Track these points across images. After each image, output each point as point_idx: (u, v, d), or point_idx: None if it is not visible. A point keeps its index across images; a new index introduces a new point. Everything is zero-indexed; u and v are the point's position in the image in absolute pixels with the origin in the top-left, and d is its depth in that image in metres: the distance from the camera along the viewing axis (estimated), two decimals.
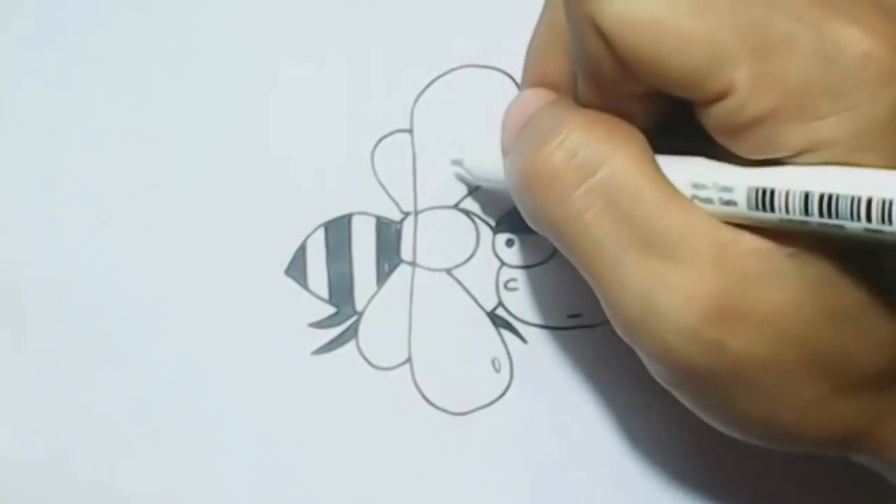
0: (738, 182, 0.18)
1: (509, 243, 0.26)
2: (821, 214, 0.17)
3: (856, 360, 0.19)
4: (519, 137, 0.21)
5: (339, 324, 0.26)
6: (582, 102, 0.20)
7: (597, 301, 0.26)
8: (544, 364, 0.26)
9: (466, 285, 0.26)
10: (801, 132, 0.17)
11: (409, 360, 0.26)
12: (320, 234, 0.26)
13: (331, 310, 0.26)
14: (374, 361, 0.26)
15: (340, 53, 0.26)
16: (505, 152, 0.22)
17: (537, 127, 0.20)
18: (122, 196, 0.26)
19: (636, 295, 0.19)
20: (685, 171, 0.19)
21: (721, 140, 0.18)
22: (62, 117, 0.26)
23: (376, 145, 0.26)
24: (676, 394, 0.20)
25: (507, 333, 0.26)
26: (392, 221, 0.26)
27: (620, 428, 0.26)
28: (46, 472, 0.25)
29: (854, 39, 0.17)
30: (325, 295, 0.26)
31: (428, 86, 0.26)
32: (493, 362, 0.26)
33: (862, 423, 0.19)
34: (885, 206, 0.16)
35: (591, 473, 0.26)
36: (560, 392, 0.26)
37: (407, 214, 0.26)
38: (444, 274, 0.26)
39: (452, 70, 0.26)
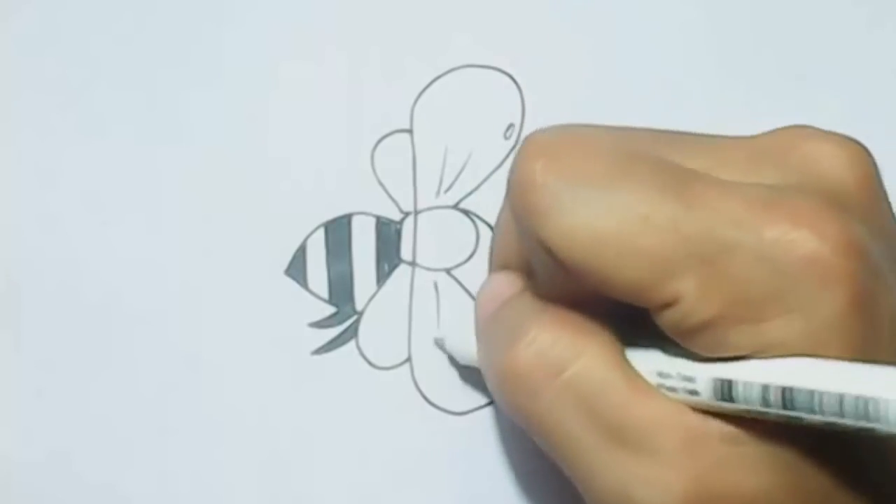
0: (699, 374, 0.19)
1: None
2: (780, 407, 0.18)
3: None
4: (488, 331, 0.22)
5: (339, 324, 0.26)
6: (544, 295, 0.21)
7: None
8: None
9: (466, 285, 0.26)
10: (750, 335, 0.18)
11: (408, 360, 0.26)
12: (320, 234, 0.26)
13: (331, 310, 0.26)
14: (374, 361, 0.26)
15: (340, 53, 0.26)
16: (477, 338, 0.23)
17: (506, 324, 0.21)
18: (122, 196, 0.26)
19: (612, 489, 0.19)
20: (650, 362, 0.20)
21: (676, 339, 0.19)
22: (62, 117, 0.26)
23: (376, 145, 0.26)
24: None
25: None
26: (392, 221, 0.26)
27: None
28: (46, 472, 0.25)
29: (797, 242, 0.17)
30: (325, 295, 0.26)
31: (428, 86, 0.26)
32: None
33: None
34: (841, 401, 0.17)
35: None
36: None
37: (407, 214, 0.26)
38: (443, 274, 0.26)
39: (452, 70, 0.26)
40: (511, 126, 0.26)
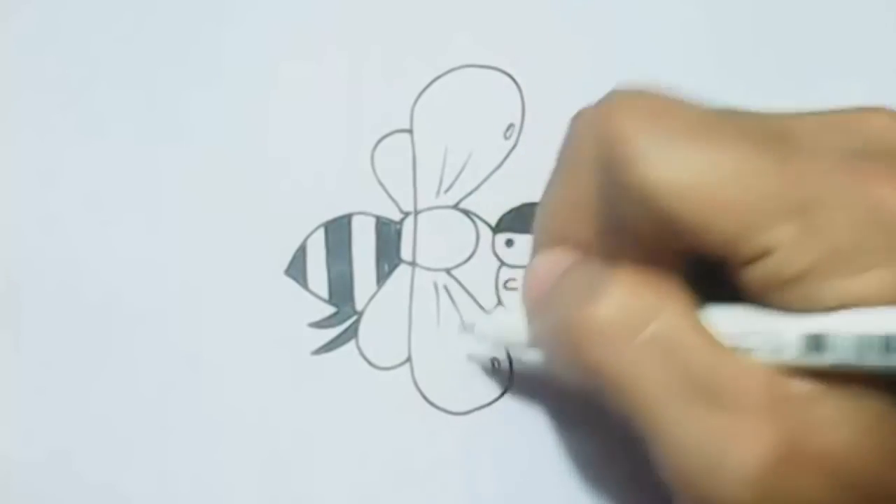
0: (786, 328, 0.19)
1: (509, 243, 0.26)
2: (874, 355, 0.18)
3: None
4: (553, 297, 0.22)
5: (339, 324, 0.26)
6: (614, 260, 0.21)
7: None
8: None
9: (466, 285, 0.26)
10: (841, 287, 0.18)
11: (408, 359, 0.26)
12: (320, 234, 0.26)
13: (331, 310, 0.26)
14: (374, 361, 0.26)
15: (340, 53, 0.26)
16: (533, 313, 0.23)
17: (576, 285, 0.21)
18: (122, 196, 0.26)
19: (695, 447, 0.19)
20: (731, 320, 0.20)
21: (758, 296, 0.19)
22: (62, 117, 0.26)
23: (376, 145, 0.26)
24: None
25: None
26: (392, 221, 0.26)
27: (620, 428, 0.26)
28: (46, 472, 0.25)
29: (889, 197, 0.18)
30: (325, 295, 0.26)
31: (428, 86, 0.26)
32: (493, 362, 0.26)
33: None
34: None
35: (591, 473, 0.26)
36: (560, 392, 0.26)
37: (407, 214, 0.26)
38: (444, 274, 0.26)
39: (452, 70, 0.26)
40: (511, 126, 0.26)
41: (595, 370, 0.20)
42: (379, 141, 0.26)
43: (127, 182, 0.26)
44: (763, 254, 0.18)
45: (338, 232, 0.26)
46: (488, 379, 0.26)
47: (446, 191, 0.26)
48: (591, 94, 0.26)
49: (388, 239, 0.26)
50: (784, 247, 0.18)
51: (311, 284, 0.26)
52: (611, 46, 0.26)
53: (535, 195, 0.26)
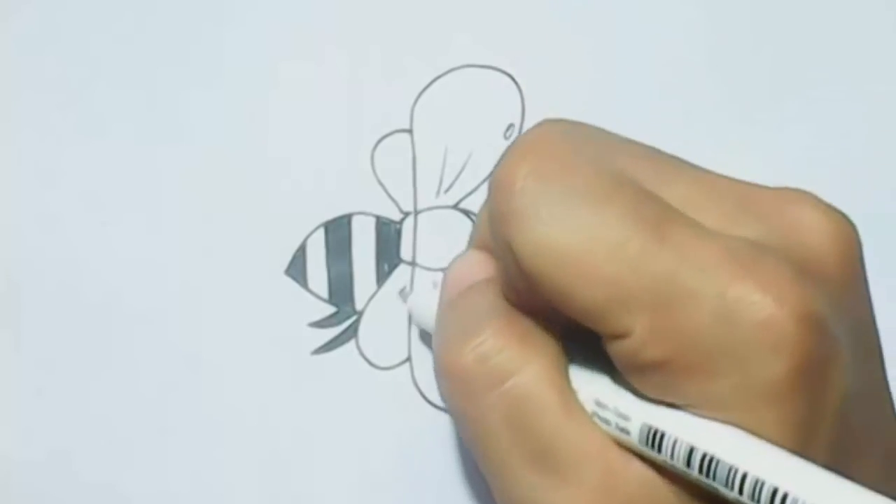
0: (634, 414, 0.19)
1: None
2: (700, 472, 0.18)
3: None
4: (445, 317, 0.22)
5: (339, 323, 0.26)
6: (505, 294, 0.21)
7: None
8: None
9: None
10: (693, 386, 0.18)
11: (408, 359, 0.26)
12: (320, 234, 0.26)
13: (331, 309, 0.26)
14: (374, 361, 0.26)
15: (340, 53, 0.26)
16: (437, 314, 0.23)
17: (461, 317, 0.21)
18: (122, 196, 0.26)
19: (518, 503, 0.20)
20: (592, 388, 0.20)
21: (622, 371, 0.19)
22: (62, 117, 0.26)
23: (376, 145, 0.26)
24: None
25: None
26: (392, 221, 0.26)
27: None
28: (46, 472, 0.25)
29: (755, 304, 0.17)
30: (325, 295, 0.26)
31: (428, 86, 0.26)
32: None
33: None
34: (757, 487, 0.17)
35: None
36: None
37: (407, 214, 0.26)
38: (443, 274, 0.26)
39: (452, 70, 0.26)
40: (511, 126, 0.26)
41: (450, 406, 0.21)
42: (379, 141, 0.26)
43: (127, 182, 0.26)
44: (622, 334, 0.18)
45: (338, 232, 0.26)
46: None
47: (446, 191, 0.26)
48: (591, 94, 0.26)
49: (388, 239, 0.26)
50: (639, 334, 0.18)
51: (311, 284, 0.26)
52: (611, 46, 0.26)
53: None
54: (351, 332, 0.26)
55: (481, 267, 0.23)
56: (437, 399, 0.26)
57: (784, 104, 0.27)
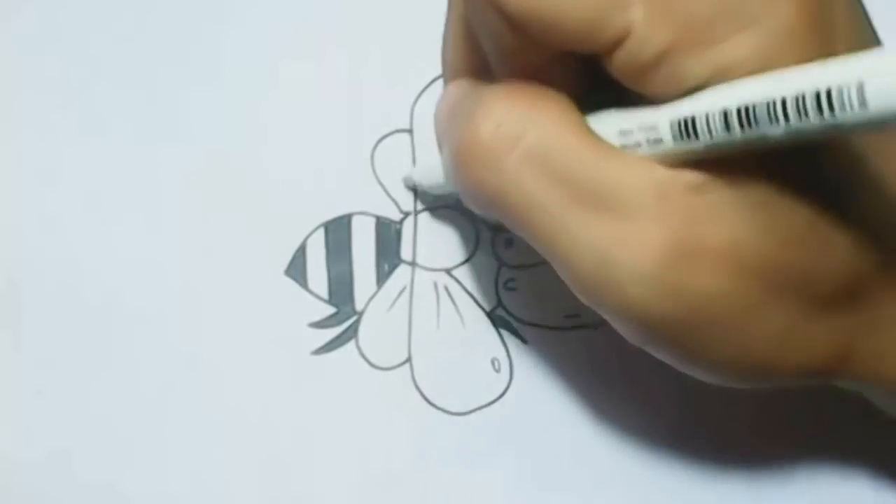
0: (659, 118, 0.18)
1: (509, 243, 0.26)
2: (742, 127, 0.17)
3: (819, 277, 0.19)
4: (448, 126, 0.22)
5: (339, 324, 0.26)
6: (499, 78, 0.21)
7: None
8: (544, 364, 0.26)
9: (466, 285, 0.26)
10: (704, 60, 0.18)
11: (408, 359, 0.26)
12: (320, 234, 0.26)
13: (331, 310, 0.26)
14: (374, 361, 0.26)
15: (340, 52, 0.26)
16: (439, 145, 0.23)
17: (463, 110, 0.21)
18: (122, 196, 0.26)
19: (589, 254, 0.19)
20: (609, 122, 0.19)
21: (631, 86, 0.19)
22: (62, 117, 0.26)
23: (376, 145, 0.26)
24: (650, 350, 0.20)
25: (506, 333, 0.26)
26: (392, 221, 0.26)
27: (620, 427, 0.26)
28: (46, 471, 0.25)
29: None
30: (325, 295, 0.26)
31: (428, 86, 0.26)
32: (492, 362, 0.26)
33: (839, 343, 0.19)
34: (800, 102, 0.16)
35: (591, 473, 0.26)
36: (560, 392, 0.26)
37: (407, 214, 0.26)
38: (444, 274, 0.26)
39: None
40: None
41: (481, 191, 0.20)
42: (379, 141, 0.26)
43: (127, 182, 0.26)
44: (620, 39, 0.18)
45: (338, 232, 0.26)
46: (488, 379, 0.26)
47: (446, 191, 0.26)
48: None
49: (388, 239, 0.26)
50: (639, 26, 0.18)
51: (311, 284, 0.26)
52: None
53: None
54: (351, 333, 0.26)
55: (461, 86, 0.22)
56: (437, 399, 0.26)
57: None
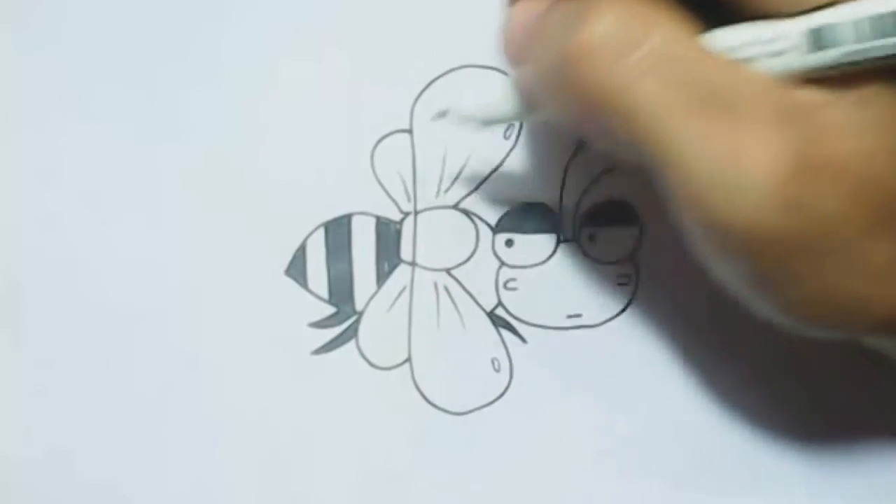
0: (787, 30, 0.18)
1: (509, 243, 0.26)
2: (876, 36, 0.17)
3: None
4: (539, 36, 0.20)
5: (339, 324, 0.26)
6: None
7: (597, 301, 0.27)
8: (544, 364, 0.26)
9: (466, 285, 0.26)
10: None
11: (409, 360, 0.26)
12: (320, 234, 0.26)
13: (331, 310, 0.26)
14: (374, 361, 0.26)
15: (340, 52, 0.26)
16: (519, 60, 0.21)
17: (562, 19, 0.20)
18: (122, 196, 0.26)
19: (707, 163, 0.18)
20: (729, 34, 0.19)
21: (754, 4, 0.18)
22: (62, 117, 0.26)
23: (376, 145, 0.26)
24: (745, 269, 0.19)
25: (507, 333, 0.26)
26: (392, 221, 0.26)
27: (620, 428, 0.26)
28: (46, 471, 0.26)
29: None
30: (325, 295, 0.26)
31: (428, 86, 0.26)
32: (493, 362, 0.26)
33: None
34: None
35: (591, 473, 0.26)
36: (560, 392, 0.26)
37: (407, 214, 0.26)
38: (444, 274, 0.26)
39: (452, 70, 0.26)
40: (511, 126, 0.26)
41: (593, 97, 0.19)
42: (379, 141, 0.26)
43: (127, 182, 0.26)
44: None
45: (338, 232, 0.26)
46: (488, 379, 0.26)
47: (446, 191, 0.26)
48: None
49: (388, 239, 0.26)
50: None
51: (311, 284, 0.26)
52: None
53: (535, 195, 0.26)
54: (351, 333, 0.26)
55: (539, 4, 0.21)
56: (437, 399, 0.26)
57: None
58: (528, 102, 0.22)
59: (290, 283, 0.26)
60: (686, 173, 0.18)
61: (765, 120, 0.18)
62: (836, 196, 0.18)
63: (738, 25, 0.19)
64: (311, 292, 0.26)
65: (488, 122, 0.24)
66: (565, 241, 0.26)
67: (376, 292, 0.26)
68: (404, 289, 0.26)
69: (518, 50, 0.21)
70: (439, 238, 0.26)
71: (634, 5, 0.19)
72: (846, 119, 0.18)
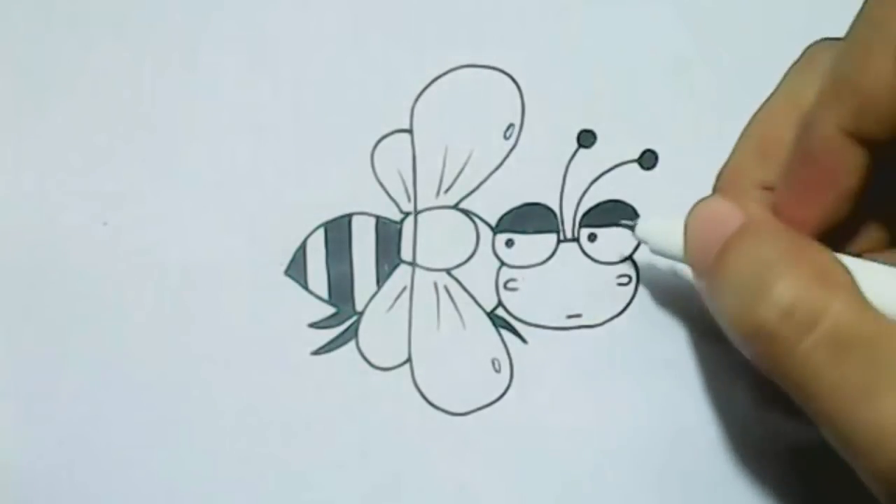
0: None
1: (509, 243, 0.26)
2: None
3: None
4: (721, 274, 0.21)
5: (339, 324, 0.26)
6: (779, 207, 0.21)
7: (597, 301, 0.27)
8: (544, 364, 0.26)
9: (466, 285, 0.26)
10: None
11: (409, 360, 0.26)
12: (320, 234, 0.26)
13: (331, 310, 0.26)
14: (374, 361, 0.26)
15: (341, 53, 0.26)
16: (698, 271, 0.22)
17: (745, 273, 0.21)
18: (122, 196, 0.26)
19: (871, 428, 0.19)
20: (891, 287, 0.20)
21: None
22: (62, 116, 0.26)
23: (376, 145, 0.26)
24: None
25: (507, 333, 0.26)
26: (392, 221, 0.26)
27: (620, 428, 0.26)
28: (46, 472, 0.26)
29: None
30: (325, 295, 0.26)
31: (428, 86, 0.26)
32: (493, 362, 0.26)
33: None
34: None
35: (590, 473, 0.26)
36: (560, 392, 0.26)
37: (407, 214, 0.26)
38: (444, 274, 0.26)
39: (452, 70, 0.26)
40: (511, 126, 0.26)
41: (769, 368, 0.20)
42: (379, 141, 0.26)
43: (126, 182, 0.26)
44: None
45: (338, 232, 0.26)
46: (488, 379, 0.26)
47: (446, 191, 0.26)
48: (591, 95, 0.26)
49: (388, 239, 0.26)
50: None
51: (311, 284, 0.26)
52: (611, 47, 0.26)
53: (535, 195, 0.26)
54: (351, 333, 0.26)
55: (731, 214, 0.22)
56: (437, 399, 0.26)
57: None
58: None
59: (290, 283, 0.26)
60: (855, 444, 0.19)
61: None
62: None
63: None
64: (311, 292, 0.26)
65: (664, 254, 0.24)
66: (565, 241, 0.26)
67: (376, 292, 0.26)
68: (404, 289, 0.26)
69: (699, 258, 0.22)
70: (439, 238, 0.26)
71: (810, 279, 0.20)
72: None
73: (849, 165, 0.21)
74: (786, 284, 0.20)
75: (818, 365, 0.19)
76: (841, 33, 0.21)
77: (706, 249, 0.22)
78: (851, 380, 0.19)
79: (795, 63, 0.23)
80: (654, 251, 0.24)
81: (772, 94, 0.24)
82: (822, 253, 0.20)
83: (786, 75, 0.23)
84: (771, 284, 0.20)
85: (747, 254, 0.21)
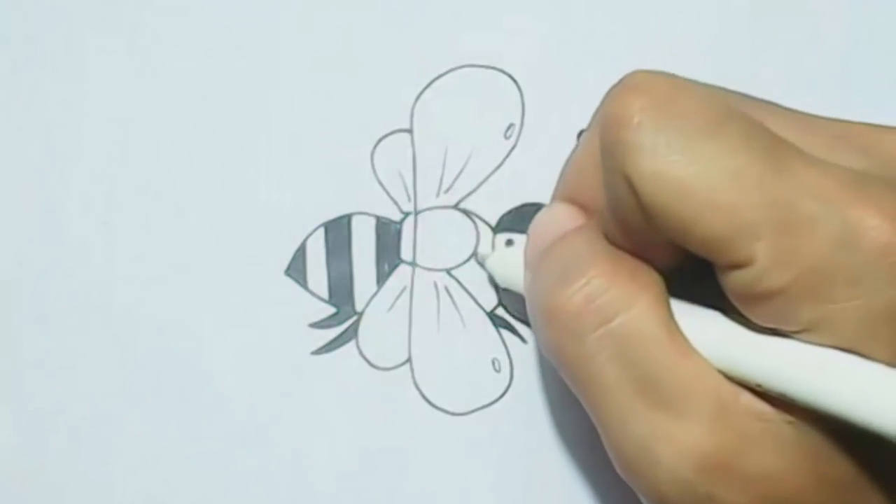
0: (745, 350, 0.19)
1: (509, 243, 0.26)
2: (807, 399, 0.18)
3: None
4: (542, 263, 0.22)
5: (339, 324, 0.26)
6: (607, 236, 0.21)
7: None
8: (544, 364, 0.26)
9: (467, 285, 0.26)
10: (811, 311, 0.18)
11: (409, 360, 0.26)
12: (320, 234, 0.26)
13: (331, 310, 0.26)
14: (374, 361, 0.26)
15: (341, 51, 0.26)
16: (527, 266, 0.23)
17: (561, 260, 0.21)
18: (122, 196, 0.26)
19: (635, 441, 0.20)
20: (697, 323, 0.20)
21: (735, 303, 0.19)
22: (61, 116, 0.26)
23: (376, 145, 0.26)
24: None
25: (507, 333, 0.26)
26: (392, 221, 0.26)
27: None
28: (46, 472, 0.26)
29: (876, 229, 0.18)
30: (325, 295, 0.26)
31: (428, 86, 0.26)
32: (493, 362, 0.26)
33: None
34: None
35: (590, 473, 0.26)
36: (560, 392, 0.26)
37: (407, 214, 0.26)
38: (444, 274, 0.26)
39: (452, 70, 0.26)
40: (511, 126, 0.26)
41: (556, 352, 0.21)
42: (379, 141, 0.26)
43: (126, 182, 0.26)
44: (741, 264, 0.18)
45: (338, 232, 0.26)
46: (488, 379, 0.26)
47: (446, 191, 0.26)
48: (591, 95, 0.26)
49: (388, 239, 0.26)
50: (763, 260, 0.18)
51: (311, 284, 0.26)
52: (610, 46, 0.26)
53: (535, 195, 0.26)
54: (351, 333, 0.26)
55: (569, 217, 0.23)
56: (437, 399, 0.26)
57: (787, 103, 0.27)
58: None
59: (290, 283, 0.26)
60: (617, 446, 0.20)
61: (697, 416, 0.19)
62: (745, 501, 0.19)
63: (714, 319, 0.20)
64: (311, 292, 0.26)
65: (507, 286, 0.25)
66: None
67: (376, 292, 0.26)
68: (404, 289, 0.26)
69: (529, 259, 0.23)
70: (439, 238, 0.26)
71: (620, 275, 0.20)
72: (776, 435, 0.19)
73: (658, 251, 0.20)
74: (599, 272, 0.20)
75: (603, 360, 0.20)
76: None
77: (540, 246, 0.22)
78: (625, 384, 0.20)
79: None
80: (501, 283, 0.25)
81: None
82: (636, 262, 0.20)
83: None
84: (585, 271, 0.20)
85: (573, 244, 0.21)
